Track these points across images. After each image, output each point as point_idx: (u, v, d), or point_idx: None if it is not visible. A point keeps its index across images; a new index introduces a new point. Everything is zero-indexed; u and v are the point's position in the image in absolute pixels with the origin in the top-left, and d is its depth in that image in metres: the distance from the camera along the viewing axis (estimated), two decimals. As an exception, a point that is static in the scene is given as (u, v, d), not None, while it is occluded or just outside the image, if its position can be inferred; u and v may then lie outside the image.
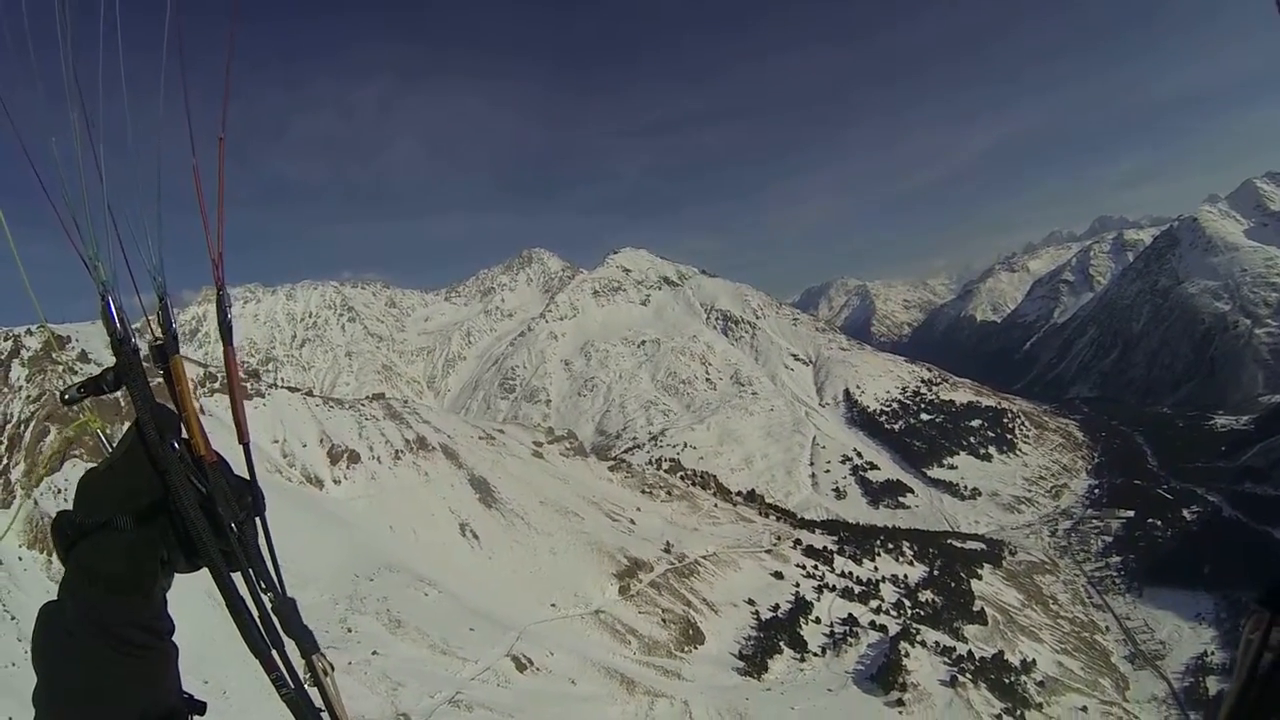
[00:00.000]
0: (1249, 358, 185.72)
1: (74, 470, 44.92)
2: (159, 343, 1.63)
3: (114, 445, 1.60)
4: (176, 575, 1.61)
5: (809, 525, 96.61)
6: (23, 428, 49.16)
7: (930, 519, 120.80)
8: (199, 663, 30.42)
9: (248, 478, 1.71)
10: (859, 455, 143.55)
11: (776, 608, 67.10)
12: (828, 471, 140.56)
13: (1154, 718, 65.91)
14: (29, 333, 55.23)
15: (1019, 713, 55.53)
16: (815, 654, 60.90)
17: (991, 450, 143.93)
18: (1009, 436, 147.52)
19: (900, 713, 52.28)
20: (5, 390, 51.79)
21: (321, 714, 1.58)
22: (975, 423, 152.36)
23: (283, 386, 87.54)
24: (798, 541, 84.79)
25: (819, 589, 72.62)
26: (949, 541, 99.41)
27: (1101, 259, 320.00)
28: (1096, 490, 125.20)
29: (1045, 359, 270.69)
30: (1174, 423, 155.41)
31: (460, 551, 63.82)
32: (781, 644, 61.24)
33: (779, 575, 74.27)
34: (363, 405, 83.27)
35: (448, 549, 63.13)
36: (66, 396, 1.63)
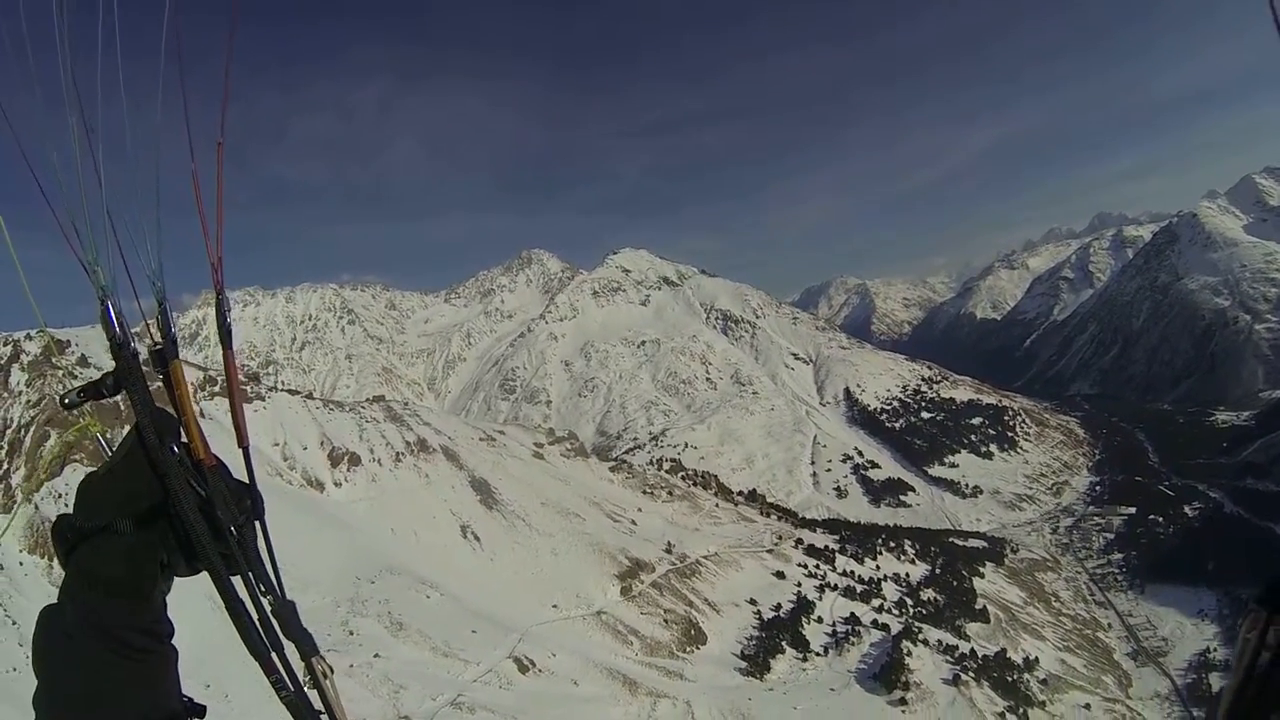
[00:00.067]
0: (1249, 353, 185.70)
1: (74, 474, 44.91)
2: (158, 347, 1.63)
3: (114, 449, 1.60)
4: (177, 579, 1.61)
5: (810, 524, 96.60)
6: (23, 432, 49.17)
7: (932, 517, 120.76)
8: (200, 666, 30.41)
9: (247, 481, 1.71)
10: (860, 454, 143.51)
11: (778, 607, 67.08)
12: (829, 470, 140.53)
13: (1157, 715, 65.83)
14: (28, 337, 55.26)
15: (1022, 711, 55.51)
16: (817, 653, 60.88)
17: (992, 448, 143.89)
18: (1010, 434, 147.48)
19: (903, 712, 52.26)
20: (5, 395, 51.82)
21: (321, 716, 1.59)
22: (976, 420, 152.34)
23: (283, 389, 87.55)
24: (799, 541, 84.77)
25: (821, 588, 72.59)
26: (951, 540, 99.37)
27: (1101, 256, 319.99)
28: (1098, 487, 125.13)
29: (1045, 356, 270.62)
30: (1175, 419, 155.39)
31: (461, 553, 63.80)
32: (784, 644, 61.23)
33: (781, 575, 74.25)
34: (363, 407, 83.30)
35: (449, 551, 63.13)
36: (66, 401, 1.63)
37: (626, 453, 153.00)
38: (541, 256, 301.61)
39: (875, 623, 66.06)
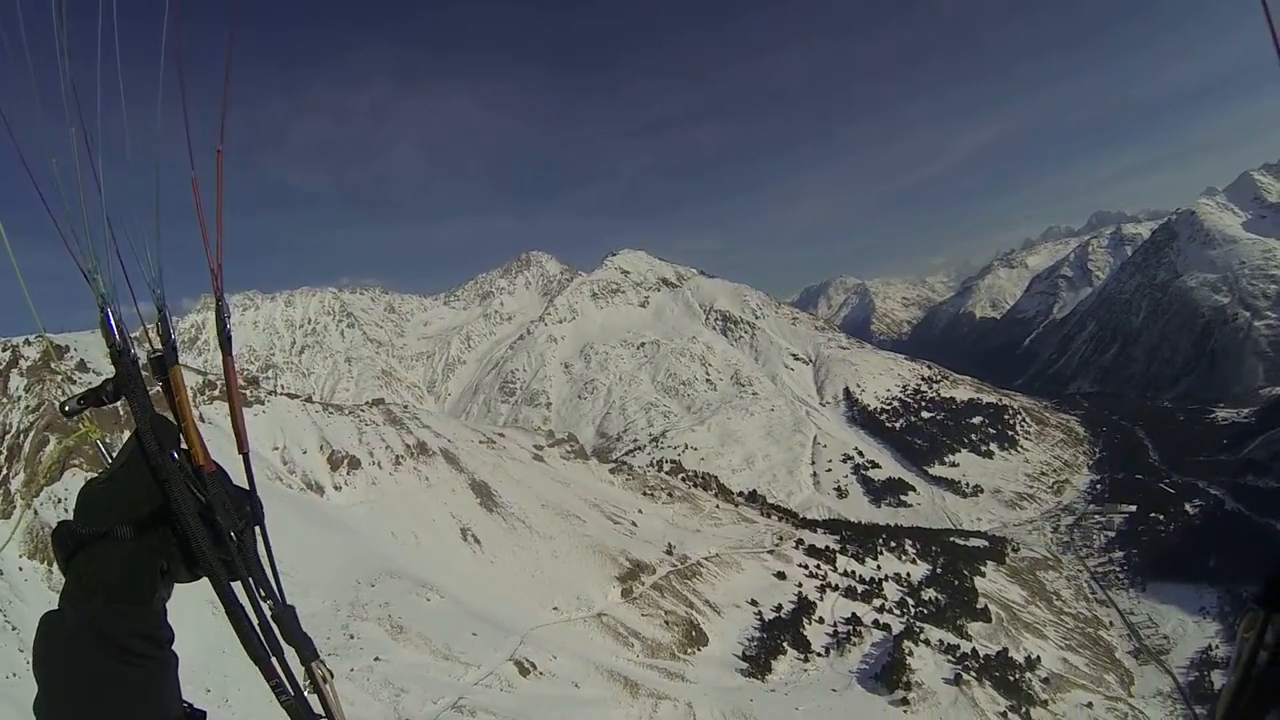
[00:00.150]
0: (1249, 350, 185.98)
1: (73, 480, 44.90)
2: (158, 354, 1.64)
3: (114, 455, 1.61)
4: (177, 585, 1.62)
5: (811, 525, 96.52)
6: (22, 438, 49.15)
7: (932, 517, 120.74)
8: (201, 671, 30.41)
9: (247, 487, 1.72)
10: (860, 454, 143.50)
11: (779, 608, 67.03)
12: (829, 471, 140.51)
13: (1159, 713, 65.79)
14: (27, 343, 55.26)
15: (1024, 710, 55.48)
16: (819, 654, 60.85)
17: (993, 447, 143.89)
18: (1010, 433, 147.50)
19: (905, 711, 52.23)
20: (4, 400, 51.80)
21: None
22: (976, 420, 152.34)
23: (282, 393, 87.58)
24: (800, 541, 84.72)
25: (822, 589, 72.55)
26: (951, 539, 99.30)
27: (1100, 254, 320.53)
28: (1098, 485, 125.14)
29: (1045, 355, 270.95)
30: (1175, 416, 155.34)
31: (462, 556, 63.76)
32: (785, 644, 61.19)
33: (781, 575, 74.20)
34: (362, 411, 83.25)
35: (449, 554, 63.08)
36: (67, 409, 1.64)
37: (626, 454, 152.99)
38: (540, 258, 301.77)
39: (876, 623, 66.03)
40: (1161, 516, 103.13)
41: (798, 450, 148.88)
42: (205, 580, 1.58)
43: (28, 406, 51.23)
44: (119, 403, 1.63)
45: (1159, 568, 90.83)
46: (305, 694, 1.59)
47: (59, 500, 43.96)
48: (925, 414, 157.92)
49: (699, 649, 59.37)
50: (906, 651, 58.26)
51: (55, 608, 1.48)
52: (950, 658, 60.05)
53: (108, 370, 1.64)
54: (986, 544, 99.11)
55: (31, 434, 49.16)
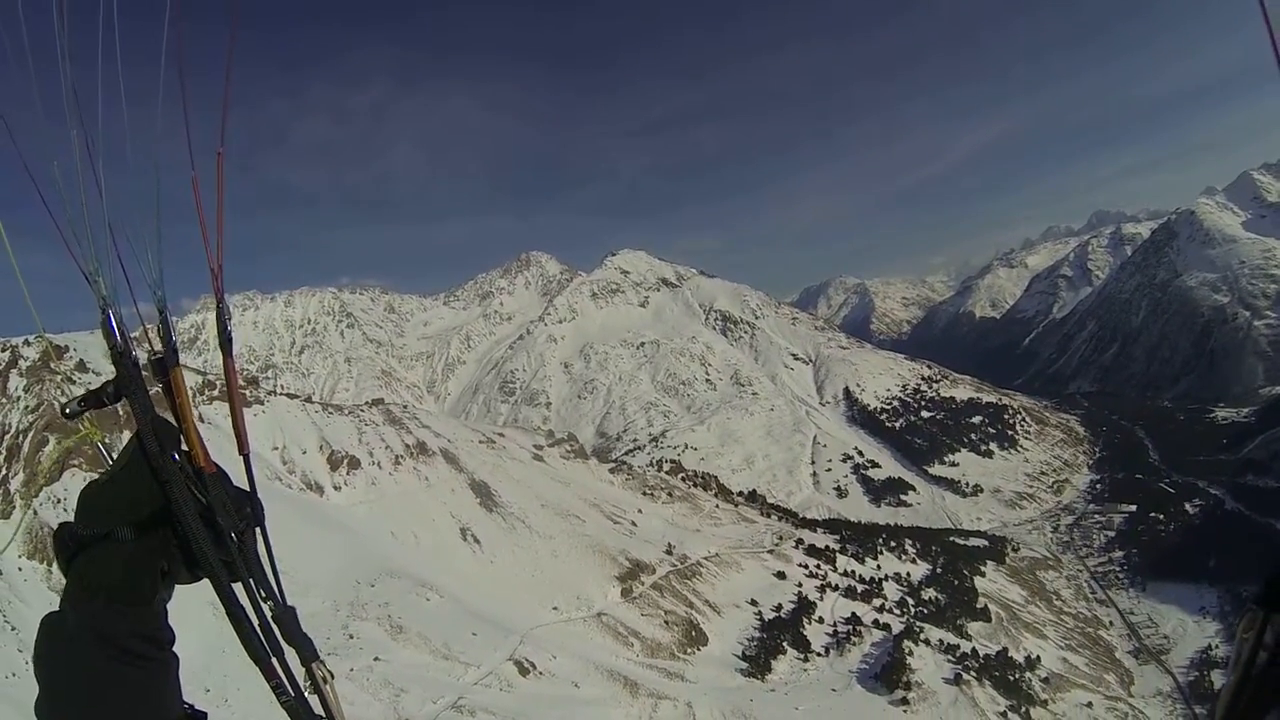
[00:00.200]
0: (1248, 350, 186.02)
1: (73, 480, 44.90)
2: (159, 356, 1.64)
3: (114, 456, 1.61)
4: (178, 586, 1.62)
5: (811, 525, 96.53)
6: (21, 438, 49.14)
7: (932, 516, 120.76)
8: (201, 672, 30.41)
9: (248, 488, 1.72)
10: (860, 454, 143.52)
11: (779, 608, 67.04)
12: (829, 470, 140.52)
13: (1159, 712, 65.82)
14: (26, 343, 55.25)
15: (1024, 709, 55.50)
16: (819, 654, 60.86)
17: (993, 446, 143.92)
18: (1010, 432, 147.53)
19: (905, 711, 52.24)
20: (4, 401, 51.78)
21: None
22: (976, 419, 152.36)
23: (282, 393, 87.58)
24: (800, 541, 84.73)
25: (821, 588, 72.57)
26: (951, 539, 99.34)
27: (1099, 253, 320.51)
28: (1098, 485, 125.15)
29: (1045, 354, 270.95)
30: (1174, 416, 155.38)
31: (461, 556, 63.76)
32: (785, 644, 61.20)
33: (781, 575, 74.22)
34: (362, 411, 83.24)
35: (449, 553, 63.08)
36: (67, 411, 1.64)
37: (626, 454, 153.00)
38: (540, 259, 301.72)
39: (876, 622, 66.04)
40: (1161, 516, 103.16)
41: (797, 450, 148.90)
42: (206, 581, 1.59)
43: (27, 407, 51.22)
44: (119, 404, 1.64)
45: (1159, 567, 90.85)
46: (305, 694, 1.59)
47: (58, 501, 43.96)
48: (925, 414, 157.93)
49: (699, 649, 59.39)
50: (906, 651, 58.27)
51: (56, 609, 1.48)
52: (950, 657, 60.07)
53: (107, 371, 1.64)
54: (986, 544, 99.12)
55: (31, 434, 49.15)
